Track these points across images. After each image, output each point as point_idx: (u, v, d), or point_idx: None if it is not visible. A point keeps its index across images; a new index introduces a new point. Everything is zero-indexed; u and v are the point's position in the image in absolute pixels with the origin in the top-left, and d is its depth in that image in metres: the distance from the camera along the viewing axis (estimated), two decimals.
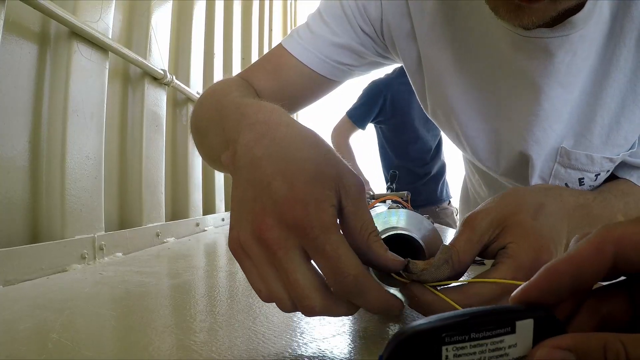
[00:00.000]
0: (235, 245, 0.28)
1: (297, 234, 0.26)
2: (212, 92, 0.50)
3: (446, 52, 0.52)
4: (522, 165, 0.54)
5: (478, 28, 0.49)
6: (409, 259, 0.33)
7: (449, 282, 0.32)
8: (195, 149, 1.32)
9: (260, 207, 0.27)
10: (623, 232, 0.18)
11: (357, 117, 1.82)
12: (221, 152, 0.34)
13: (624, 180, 0.51)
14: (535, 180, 0.53)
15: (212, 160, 0.50)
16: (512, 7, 0.36)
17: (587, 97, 0.47)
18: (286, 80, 0.56)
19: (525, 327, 0.18)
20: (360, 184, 0.29)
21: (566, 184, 0.51)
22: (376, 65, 0.62)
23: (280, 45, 0.57)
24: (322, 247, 0.26)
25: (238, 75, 0.58)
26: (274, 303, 0.28)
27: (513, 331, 0.17)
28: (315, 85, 0.59)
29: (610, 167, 0.50)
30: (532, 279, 0.19)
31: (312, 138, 0.30)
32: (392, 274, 0.34)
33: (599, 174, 0.50)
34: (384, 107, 1.80)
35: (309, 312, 0.27)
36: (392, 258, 0.29)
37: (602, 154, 0.49)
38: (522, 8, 0.35)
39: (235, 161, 0.30)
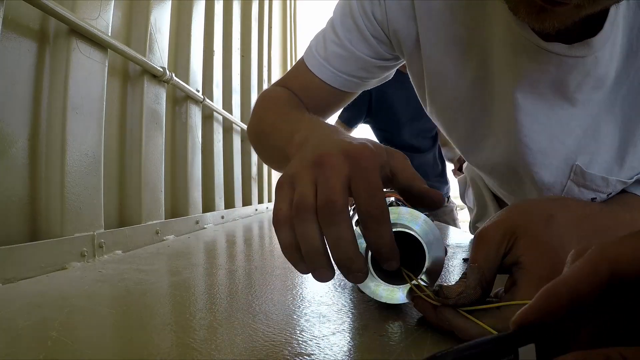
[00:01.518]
0: (285, 178, 0.33)
1: (352, 162, 0.31)
2: (271, 103, 0.59)
3: (452, 55, 0.51)
4: (524, 175, 0.54)
5: (489, 31, 0.48)
6: (441, 284, 0.33)
7: (480, 306, 0.31)
8: (195, 147, 1.35)
9: (326, 147, 0.33)
10: (619, 250, 0.18)
11: (347, 118, 1.86)
12: (285, 144, 0.42)
13: (631, 194, 0.50)
14: (538, 194, 0.53)
15: (271, 156, 0.58)
16: (534, 8, 0.34)
17: (604, 116, 0.46)
18: (313, 97, 0.62)
19: (528, 351, 0.18)
20: (402, 154, 0.37)
21: None
22: (392, 67, 0.63)
23: (302, 60, 0.62)
24: (365, 175, 0.31)
25: (280, 85, 0.65)
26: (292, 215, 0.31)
27: (516, 358, 0.18)
28: (335, 97, 0.63)
29: (623, 186, 0.50)
30: (531, 301, 0.19)
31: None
32: (424, 297, 0.34)
33: (611, 194, 0.50)
34: (370, 105, 1.82)
35: (332, 209, 0.30)
36: (431, 190, 0.35)
37: (617, 177, 0.49)
38: (545, 11, 0.34)
39: (305, 139, 0.38)
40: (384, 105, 1.80)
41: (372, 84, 0.64)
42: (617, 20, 0.42)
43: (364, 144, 0.33)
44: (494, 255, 0.33)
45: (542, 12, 0.34)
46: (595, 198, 0.50)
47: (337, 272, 0.31)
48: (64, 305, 0.42)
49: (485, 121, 0.54)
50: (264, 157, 0.63)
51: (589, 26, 0.41)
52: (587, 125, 0.47)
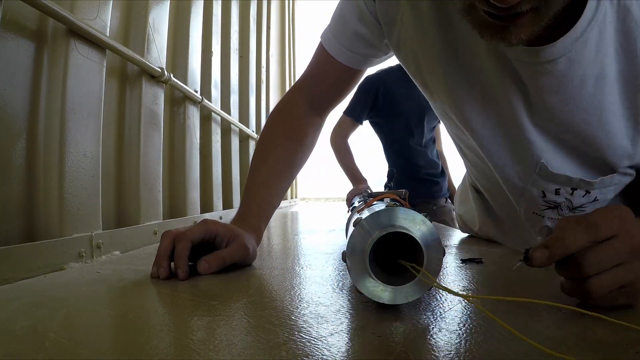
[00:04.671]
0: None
1: None
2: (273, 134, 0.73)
3: (430, 38, 0.55)
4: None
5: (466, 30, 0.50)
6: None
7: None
8: (193, 147, 1.38)
9: None
10: None
11: (353, 112, 1.85)
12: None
13: None
14: (514, 182, 0.56)
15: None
16: (496, 29, 0.36)
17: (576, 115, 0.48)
18: (327, 78, 0.72)
19: None
20: None
21: (543, 192, 0.53)
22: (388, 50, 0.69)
23: (320, 43, 0.71)
24: None
25: (301, 83, 0.76)
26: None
27: None
28: (342, 74, 0.71)
29: (588, 188, 0.51)
30: None
31: None
32: (434, 285, 0.34)
33: (576, 190, 0.52)
34: (377, 100, 1.82)
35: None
36: None
37: (580, 176, 0.50)
38: (507, 28, 0.35)
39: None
40: (391, 102, 1.81)
41: (376, 61, 0.71)
42: (598, 20, 0.42)
43: None
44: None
45: (505, 30, 0.35)
46: (560, 189, 0.52)
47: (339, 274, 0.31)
48: (62, 306, 0.42)
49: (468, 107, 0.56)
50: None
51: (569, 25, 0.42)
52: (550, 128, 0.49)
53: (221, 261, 0.55)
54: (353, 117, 1.84)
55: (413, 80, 0.67)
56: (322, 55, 0.71)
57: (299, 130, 0.74)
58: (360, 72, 0.73)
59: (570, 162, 0.50)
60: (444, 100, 0.58)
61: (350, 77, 0.73)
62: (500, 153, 0.55)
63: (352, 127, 1.87)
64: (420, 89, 0.68)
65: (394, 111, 1.82)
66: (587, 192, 0.51)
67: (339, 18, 0.67)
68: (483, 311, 0.30)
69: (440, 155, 2.02)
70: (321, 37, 0.71)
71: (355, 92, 1.85)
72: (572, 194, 0.52)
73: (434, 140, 1.95)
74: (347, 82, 0.74)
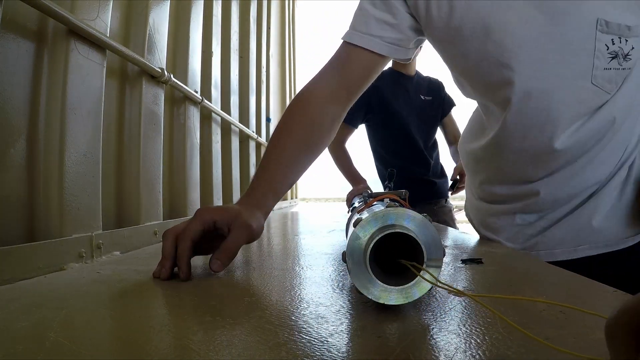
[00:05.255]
0: None
1: None
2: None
3: None
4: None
5: None
6: None
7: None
8: (193, 147, 1.39)
9: None
10: None
11: (347, 116, 1.84)
12: None
13: None
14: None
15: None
16: None
17: None
18: (347, 66, 0.76)
19: None
20: None
21: (606, 45, 0.64)
22: (417, 39, 0.76)
23: (343, 42, 0.76)
24: None
25: (330, 73, 0.77)
26: None
27: None
28: (363, 60, 0.75)
29: (630, 35, 0.63)
30: None
31: None
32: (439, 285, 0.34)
33: (620, 37, 0.64)
34: (371, 104, 1.82)
35: None
36: None
37: (627, 23, 0.63)
38: None
39: None
40: (385, 103, 1.81)
41: (400, 51, 0.75)
42: None
43: None
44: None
45: None
46: (614, 38, 0.63)
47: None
48: (62, 306, 0.42)
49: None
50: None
51: None
52: None
53: (230, 253, 0.55)
54: (347, 121, 1.84)
55: (451, 60, 0.75)
56: (342, 49, 0.76)
57: (315, 120, 0.73)
58: (382, 59, 0.75)
59: (619, 11, 0.62)
60: (490, 39, 0.66)
61: (371, 63, 0.75)
62: (561, 32, 0.64)
63: (348, 132, 1.87)
64: (456, 61, 0.75)
65: (389, 114, 1.82)
66: (627, 39, 0.64)
67: (359, 14, 0.74)
68: (485, 307, 0.30)
69: (456, 140, 2.02)
70: (342, 38, 0.76)
71: None
72: (620, 42, 0.64)
73: (434, 142, 1.95)
74: (368, 69, 0.76)
